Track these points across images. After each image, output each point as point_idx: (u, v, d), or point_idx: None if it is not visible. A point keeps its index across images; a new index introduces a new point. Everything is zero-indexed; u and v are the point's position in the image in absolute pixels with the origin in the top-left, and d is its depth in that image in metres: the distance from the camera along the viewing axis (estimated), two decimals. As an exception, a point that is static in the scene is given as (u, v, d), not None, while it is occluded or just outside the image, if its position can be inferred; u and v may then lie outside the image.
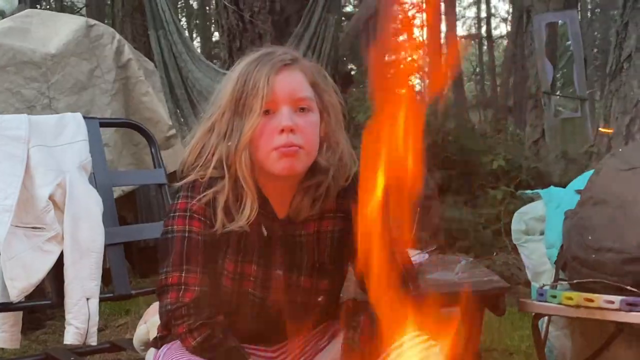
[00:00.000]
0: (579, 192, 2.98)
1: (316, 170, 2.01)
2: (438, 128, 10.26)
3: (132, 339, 2.79)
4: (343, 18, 18.51)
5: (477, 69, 27.82)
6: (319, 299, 2.06)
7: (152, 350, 2.32)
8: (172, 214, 1.99)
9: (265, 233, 2.01)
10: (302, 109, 1.95)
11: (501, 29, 28.05)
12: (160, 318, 2.01)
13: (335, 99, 2.07)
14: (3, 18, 5.22)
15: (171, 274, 1.92)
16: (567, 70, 12.04)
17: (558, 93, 10.62)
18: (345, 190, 2.07)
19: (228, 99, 1.96)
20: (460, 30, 26.65)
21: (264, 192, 2.01)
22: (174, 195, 2.06)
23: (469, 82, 26.82)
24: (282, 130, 1.90)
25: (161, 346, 2.10)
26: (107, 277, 2.92)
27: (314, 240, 2.05)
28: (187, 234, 1.95)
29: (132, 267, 5.03)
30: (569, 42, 10.66)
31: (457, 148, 10.08)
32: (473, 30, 27.89)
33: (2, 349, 3.49)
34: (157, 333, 2.20)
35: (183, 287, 1.91)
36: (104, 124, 3.33)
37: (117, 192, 4.08)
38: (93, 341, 2.73)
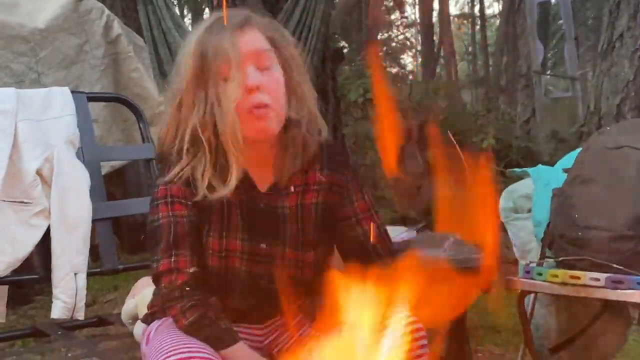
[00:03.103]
0: (566, 170, 2.99)
1: (288, 124, 2.03)
2: (429, 107, 10.28)
3: (120, 314, 2.79)
4: (335, -5, 18.52)
5: (470, 49, 27.80)
6: (306, 273, 2.06)
7: (139, 324, 2.33)
8: (154, 203, 2.01)
9: (247, 207, 2.02)
10: (265, 68, 1.95)
11: (494, 8, 28.04)
12: (156, 303, 2.07)
13: (294, 51, 2.08)
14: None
15: (162, 262, 1.94)
16: (559, 49, 12.05)
17: (549, 72, 10.63)
18: (329, 161, 2.10)
19: (190, 70, 1.95)
20: (453, 9, 26.62)
21: (248, 167, 2.01)
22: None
23: (461, 61, 26.81)
24: (250, 91, 1.90)
25: (151, 322, 2.13)
26: (95, 253, 2.93)
27: (297, 212, 2.06)
28: (172, 220, 1.97)
29: (120, 243, 5.04)
30: (561, 21, 10.66)
31: (447, 127, 10.10)
32: (466, 10, 27.83)
33: (-11, 323, 3.50)
34: (147, 310, 2.23)
35: (175, 271, 1.93)
36: (92, 98, 3.33)
37: (106, 168, 4.06)
38: (80, 315, 2.74)
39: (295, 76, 2.05)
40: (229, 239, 2.01)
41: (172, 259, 1.94)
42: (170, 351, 1.84)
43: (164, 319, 2.06)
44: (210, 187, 1.96)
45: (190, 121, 1.96)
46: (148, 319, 2.17)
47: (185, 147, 1.97)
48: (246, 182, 2.02)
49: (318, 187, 2.08)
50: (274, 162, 2.06)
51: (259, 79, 1.92)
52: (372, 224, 2.10)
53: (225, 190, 1.95)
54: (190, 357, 1.82)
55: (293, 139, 2.04)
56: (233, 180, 1.94)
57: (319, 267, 2.07)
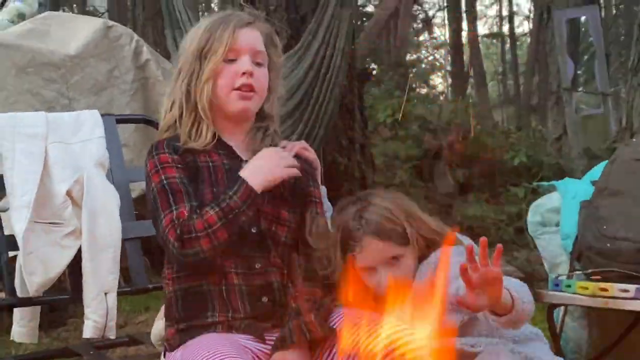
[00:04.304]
0: (594, 183, 2.98)
1: (262, 117, 2.46)
2: (459, 126, 10.27)
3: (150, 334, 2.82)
4: (364, 19, 18.60)
5: (500, 69, 27.69)
6: (279, 230, 2.31)
7: (164, 353, 2.38)
8: (147, 178, 2.28)
9: (230, 168, 2.30)
10: (258, 63, 2.36)
11: (524, 26, 27.94)
12: (171, 261, 2.27)
13: (280, 61, 2.51)
14: (23, 20, 5.27)
15: (164, 219, 2.16)
16: (590, 66, 11.98)
17: (580, 89, 10.57)
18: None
19: (195, 47, 2.34)
20: (482, 29, 26.55)
21: (225, 139, 2.38)
22: None
23: (491, 81, 26.71)
24: (243, 73, 2.30)
25: (173, 350, 2.25)
26: (127, 275, 2.97)
27: None
28: (165, 182, 2.22)
29: (151, 265, 5.07)
30: (592, 39, 10.61)
31: (478, 146, 10.08)
32: (495, 29, 27.74)
33: (22, 344, 3.54)
34: (165, 337, 2.34)
35: (176, 221, 2.14)
36: (121, 120, 3.37)
37: (137, 191, 4.10)
38: (112, 335, 2.76)
39: (275, 78, 2.47)
40: (219, 193, 2.23)
41: (174, 213, 2.15)
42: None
43: (186, 344, 2.18)
44: (190, 137, 2.33)
45: (181, 92, 2.35)
46: (168, 346, 2.30)
47: (176, 114, 2.35)
48: (228, 150, 2.37)
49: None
50: (251, 142, 2.41)
51: (252, 67, 2.32)
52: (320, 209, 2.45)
53: (200, 144, 2.31)
54: None
55: (265, 129, 2.44)
56: (204, 132, 2.32)
57: (292, 231, 2.35)
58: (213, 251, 2.14)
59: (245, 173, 2.24)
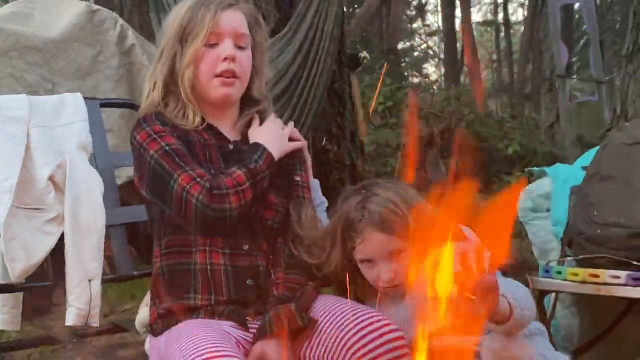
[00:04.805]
0: (585, 168, 2.99)
1: (250, 101, 2.45)
2: (452, 115, 10.27)
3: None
4: (355, 5, 18.56)
5: (495, 57, 27.70)
6: (267, 214, 2.32)
7: (149, 338, 2.39)
8: (143, 149, 2.26)
9: (220, 148, 2.34)
10: (241, 47, 2.34)
11: (518, 14, 27.93)
12: (197, 221, 2.19)
13: (264, 40, 2.48)
14: (7, 4, 5.25)
15: (180, 178, 2.17)
16: (584, 54, 11.99)
17: (574, 76, 10.57)
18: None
19: (176, 29, 2.32)
20: (476, 16, 26.53)
21: (213, 123, 2.38)
22: None
23: (485, 69, 26.70)
24: (225, 59, 2.29)
25: (157, 335, 2.27)
26: (113, 263, 2.96)
27: None
28: (167, 148, 2.22)
29: (138, 254, 5.06)
30: (586, 26, 10.61)
31: (472, 135, 10.08)
32: (489, 17, 27.73)
33: (4, 332, 3.53)
34: (150, 322, 2.35)
35: (199, 178, 2.17)
36: (105, 104, 3.36)
37: (123, 178, 4.10)
38: (95, 323, 2.76)
39: (260, 60, 2.45)
40: (218, 170, 2.25)
41: (191, 172, 2.18)
42: (196, 353, 1.94)
43: (170, 331, 2.20)
44: (177, 120, 2.33)
45: (164, 72, 2.34)
46: (153, 332, 2.32)
47: (159, 97, 2.34)
48: (214, 131, 2.37)
49: None
50: (237, 126, 2.43)
51: (234, 52, 2.30)
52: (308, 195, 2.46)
53: (188, 125, 2.31)
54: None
55: (256, 113, 2.44)
56: (191, 117, 2.32)
57: (280, 215, 2.35)
58: (239, 210, 2.18)
59: (262, 141, 2.31)
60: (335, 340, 2.09)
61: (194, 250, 2.25)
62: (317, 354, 2.14)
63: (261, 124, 2.43)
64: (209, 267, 2.24)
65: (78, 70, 4.92)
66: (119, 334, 3.14)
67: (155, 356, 2.27)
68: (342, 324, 2.11)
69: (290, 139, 2.47)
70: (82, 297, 2.71)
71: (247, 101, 2.46)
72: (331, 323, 2.14)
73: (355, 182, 2.45)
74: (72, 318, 2.70)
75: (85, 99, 3.04)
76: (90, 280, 2.74)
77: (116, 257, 2.94)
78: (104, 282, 2.82)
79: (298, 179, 2.46)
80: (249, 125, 2.44)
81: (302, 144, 2.48)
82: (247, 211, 2.23)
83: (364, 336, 2.04)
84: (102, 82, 5.02)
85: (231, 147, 2.37)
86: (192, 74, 2.31)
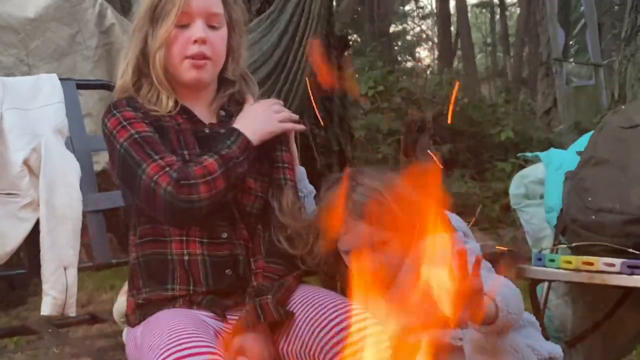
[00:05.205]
0: (580, 153, 2.98)
1: (225, 83, 2.43)
2: (445, 99, 10.28)
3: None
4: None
5: (489, 40, 27.70)
6: (245, 198, 2.30)
7: (126, 328, 2.39)
8: (112, 137, 2.23)
9: (194, 131, 2.31)
10: (213, 27, 2.31)
11: (514, -4, 27.88)
12: (166, 212, 2.18)
13: (241, 16, 2.45)
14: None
15: (148, 168, 2.14)
16: (581, 37, 12.00)
17: (571, 60, 10.58)
18: None
19: (147, 7, 2.29)
20: (471, -3, 26.46)
21: (186, 105, 2.35)
22: None
23: (480, 53, 26.72)
24: (195, 41, 2.26)
25: (133, 325, 2.27)
26: (91, 252, 2.95)
27: None
28: (136, 135, 2.19)
29: (117, 242, 5.06)
30: (583, 8, 10.61)
31: (464, 120, 10.10)
32: (484, -2, 27.69)
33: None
34: (127, 312, 2.35)
35: (167, 168, 2.14)
36: (81, 85, 3.34)
37: (101, 164, 4.08)
38: (71, 312, 2.75)
39: (237, 39, 2.43)
40: (192, 156, 2.23)
41: (160, 161, 2.15)
42: (173, 344, 1.94)
43: (147, 321, 2.20)
44: (150, 104, 2.30)
45: (135, 56, 2.31)
46: (129, 322, 2.31)
47: (131, 80, 2.32)
48: (189, 114, 2.34)
49: None
50: (212, 108, 2.41)
51: (206, 33, 2.27)
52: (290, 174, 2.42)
53: (162, 111, 2.28)
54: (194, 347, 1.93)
55: (228, 98, 2.42)
56: (164, 100, 2.29)
57: (258, 200, 2.33)
58: (210, 200, 2.15)
59: (238, 124, 2.28)
60: (312, 335, 2.09)
61: (170, 239, 2.24)
62: (293, 348, 2.15)
63: (238, 104, 2.42)
64: (185, 257, 2.23)
65: (55, 51, 4.91)
66: (97, 324, 3.12)
67: (132, 347, 2.26)
68: (318, 317, 2.11)
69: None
70: (57, 286, 2.70)
71: (223, 82, 2.44)
72: (308, 316, 2.14)
73: (344, 169, 2.40)
74: (47, 307, 2.69)
75: (61, 79, 3.02)
76: (65, 268, 2.73)
77: (93, 245, 2.93)
78: (81, 270, 2.81)
79: (279, 159, 2.42)
80: (226, 106, 2.43)
81: (295, 127, 2.46)
82: (222, 199, 2.20)
83: (339, 331, 2.05)
84: (79, 63, 5.00)
85: (207, 130, 2.35)
86: (164, 56, 2.28)
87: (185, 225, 2.22)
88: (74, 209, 2.77)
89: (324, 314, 2.10)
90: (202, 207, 2.14)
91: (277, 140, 2.43)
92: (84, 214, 2.83)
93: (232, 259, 2.26)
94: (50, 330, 2.92)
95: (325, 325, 2.07)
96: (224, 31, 2.35)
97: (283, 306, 2.17)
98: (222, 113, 2.41)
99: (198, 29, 2.27)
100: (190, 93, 2.37)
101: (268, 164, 2.40)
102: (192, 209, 2.14)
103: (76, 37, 5.00)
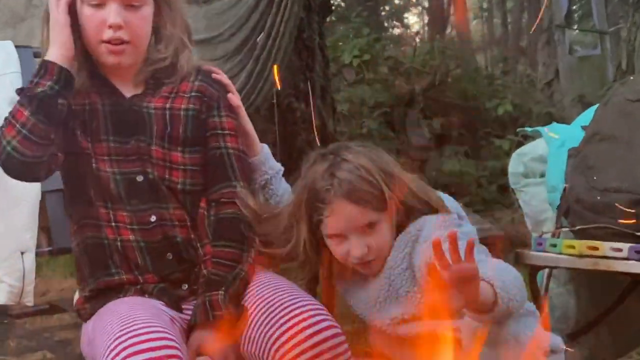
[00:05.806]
0: (584, 128, 2.98)
1: (150, 60, 2.35)
2: (437, 70, 10.27)
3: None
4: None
5: (485, 5, 27.66)
6: (174, 175, 2.28)
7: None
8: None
9: (110, 109, 2.30)
10: (132, 6, 2.23)
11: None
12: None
13: None
14: None
15: None
16: (586, 1, 12.01)
17: (575, 27, 10.59)
18: (204, 75, 2.43)
19: None
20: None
21: (104, 72, 2.33)
22: None
23: (475, 19, 26.69)
24: (110, 27, 2.20)
25: (85, 320, 2.29)
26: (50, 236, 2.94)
27: (164, 114, 2.30)
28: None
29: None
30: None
31: (458, 92, 10.09)
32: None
33: None
34: (76, 307, 2.36)
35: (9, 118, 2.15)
36: (39, 53, 3.32)
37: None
38: (29, 301, 2.75)
39: (165, 15, 2.36)
40: (95, 143, 2.24)
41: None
42: (125, 331, 1.94)
43: (98, 313, 2.21)
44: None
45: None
46: (83, 312, 2.31)
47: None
48: (108, 87, 2.32)
49: (189, 94, 2.35)
50: (137, 78, 2.37)
51: (122, 16, 2.21)
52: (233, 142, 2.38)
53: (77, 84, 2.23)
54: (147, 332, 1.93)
55: (152, 74, 2.36)
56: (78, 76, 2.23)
57: (189, 177, 2.31)
58: (28, 142, 2.11)
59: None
60: (265, 335, 2.08)
61: (102, 224, 2.26)
62: (250, 348, 2.14)
63: (162, 85, 2.38)
64: (119, 244, 2.24)
65: (11, 17, 4.86)
66: (56, 314, 3.12)
67: (85, 343, 2.27)
68: (269, 315, 2.10)
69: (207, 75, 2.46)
70: (13, 272, 2.71)
71: (148, 62, 2.38)
72: (261, 314, 2.13)
73: (326, 145, 2.38)
74: (2, 295, 2.69)
75: (17, 47, 3.01)
76: (22, 253, 2.73)
77: (53, 228, 2.92)
78: (39, 255, 2.81)
79: (216, 126, 2.38)
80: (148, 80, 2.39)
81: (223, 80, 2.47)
82: (45, 137, 2.15)
83: (287, 329, 2.05)
84: (38, 29, 4.95)
85: (126, 106, 2.33)
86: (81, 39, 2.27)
87: (33, 180, 2.32)
88: (31, 188, 2.76)
89: (275, 309, 2.11)
90: (18, 150, 2.12)
91: (212, 104, 2.39)
92: (43, 194, 2.82)
93: (168, 243, 2.26)
94: (5, 321, 2.91)
95: (275, 323, 2.08)
96: (146, 10, 2.30)
97: (237, 301, 2.18)
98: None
99: (111, 13, 2.21)
100: (112, 69, 2.34)
101: (199, 131, 2.35)
102: (7, 155, 2.13)
103: (33, 1, 4.96)
